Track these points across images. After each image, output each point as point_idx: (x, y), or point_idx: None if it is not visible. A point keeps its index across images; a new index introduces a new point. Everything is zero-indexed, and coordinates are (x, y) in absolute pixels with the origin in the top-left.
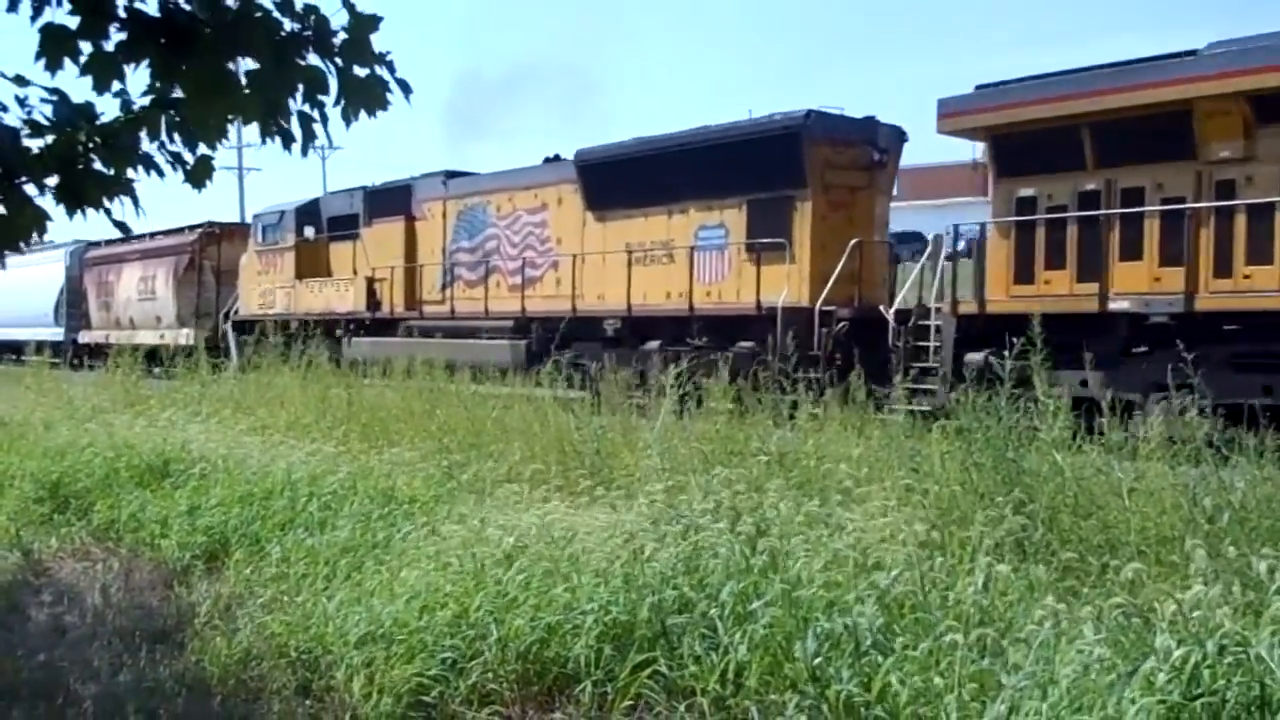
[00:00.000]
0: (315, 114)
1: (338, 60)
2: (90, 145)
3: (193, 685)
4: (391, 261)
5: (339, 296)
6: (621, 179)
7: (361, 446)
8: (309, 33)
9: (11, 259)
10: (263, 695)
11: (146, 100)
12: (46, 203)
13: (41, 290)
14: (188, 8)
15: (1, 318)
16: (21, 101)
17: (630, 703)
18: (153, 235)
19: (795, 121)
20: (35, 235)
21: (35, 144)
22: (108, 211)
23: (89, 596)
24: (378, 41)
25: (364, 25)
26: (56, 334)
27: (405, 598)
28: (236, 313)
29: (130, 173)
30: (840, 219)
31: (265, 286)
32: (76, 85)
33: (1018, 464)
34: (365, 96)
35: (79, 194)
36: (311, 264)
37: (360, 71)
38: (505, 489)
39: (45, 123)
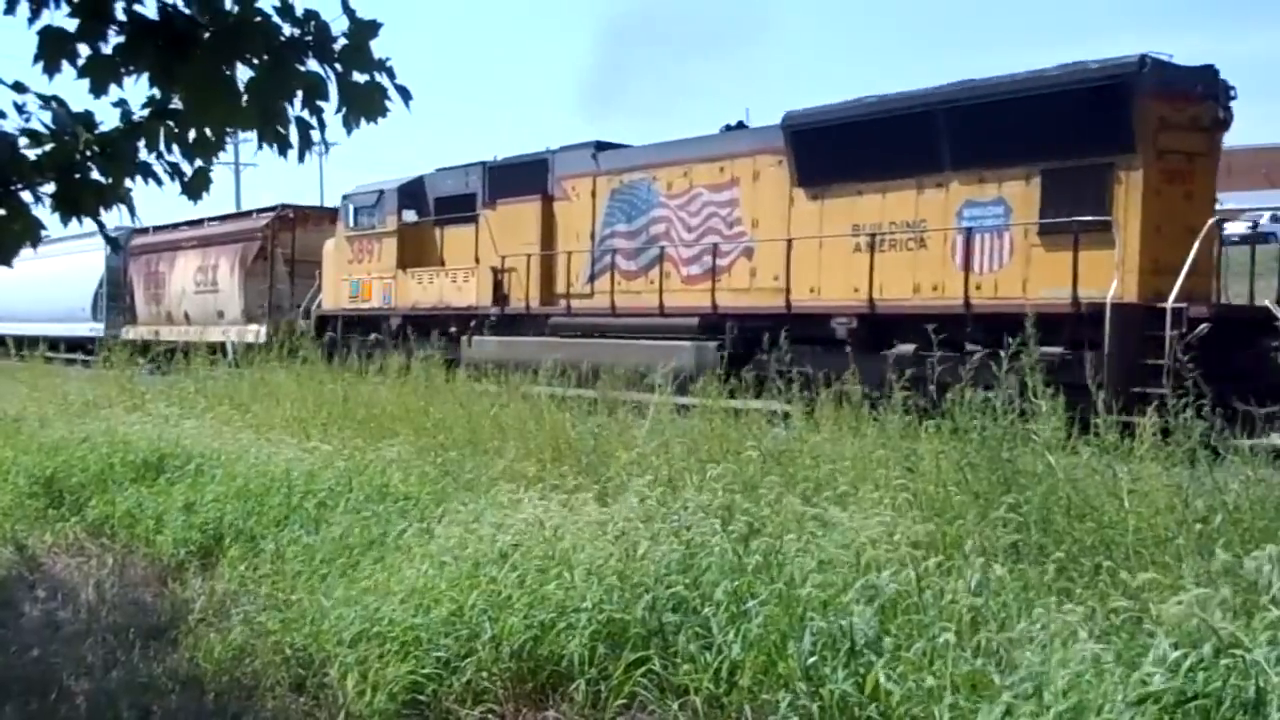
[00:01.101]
0: (314, 120)
1: (337, 66)
2: (88, 154)
3: (186, 682)
4: (523, 248)
5: (455, 289)
6: (849, 147)
7: (357, 443)
8: (309, 38)
9: (46, 248)
10: (257, 692)
11: (145, 111)
12: (42, 211)
13: (78, 281)
14: (187, 12)
15: (31, 311)
16: (20, 109)
17: (624, 701)
18: (213, 220)
19: (1125, 69)
20: (29, 244)
21: (33, 152)
22: (100, 222)
23: (83, 592)
24: (378, 48)
25: (364, 31)
26: (95, 329)
27: (400, 596)
28: (318, 306)
29: (127, 182)
30: (1176, 193)
31: (357, 277)
32: (75, 95)
33: (1013, 464)
34: (365, 103)
35: (76, 202)
36: (416, 251)
37: (360, 78)
38: (500, 486)
39: (43, 130)
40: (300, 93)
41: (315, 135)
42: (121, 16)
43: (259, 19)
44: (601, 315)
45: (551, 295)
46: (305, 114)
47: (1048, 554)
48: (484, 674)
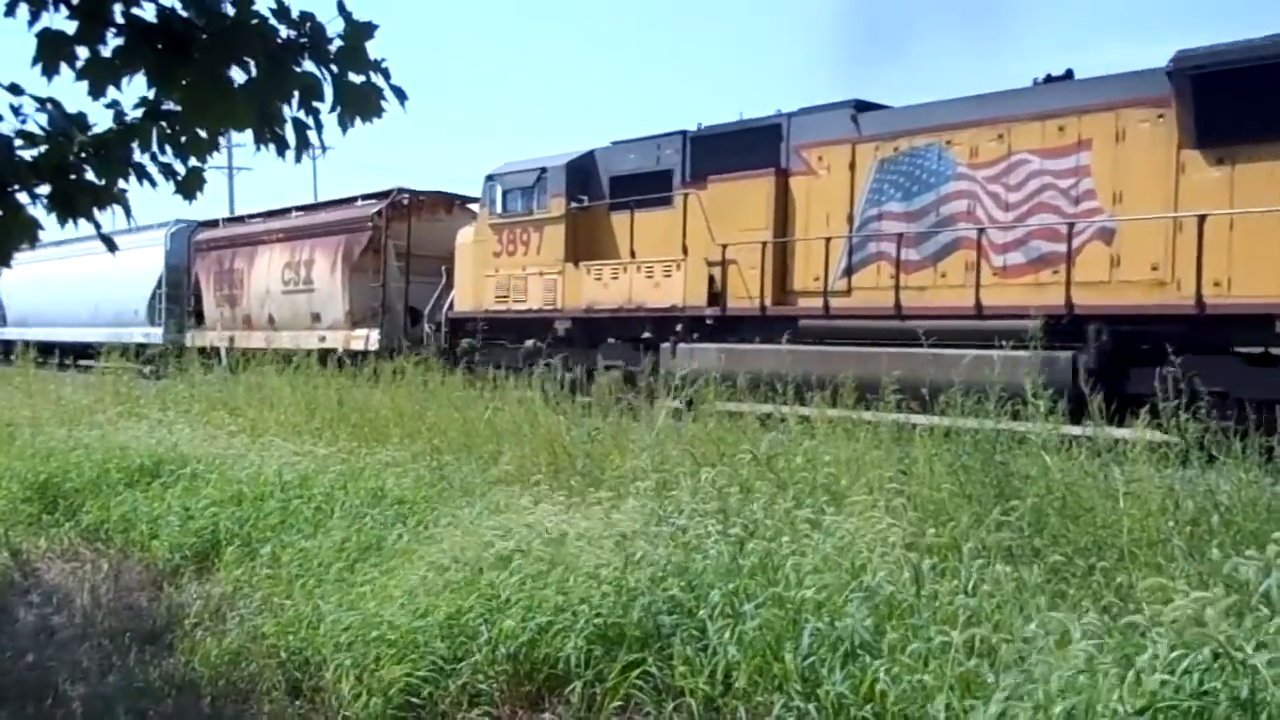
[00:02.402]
0: (310, 121)
1: (333, 67)
2: (83, 155)
3: (182, 686)
4: (745, 235)
5: (651, 285)
6: None
7: (352, 447)
8: (305, 40)
9: (88, 244)
10: (253, 696)
11: (139, 112)
12: (38, 212)
13: (130, 282)
14: (184, 14)
15: (72, 315)
16: (16, 110)
17: (619, 703)
18: (303, 209)
19: None
20: (26, 244)
21: (28, 153)
22: (96, 224)
23: (78, 597)
24: (373, 49)
25: (360, 33)
26: (151, 335)
27: (398, 600)
28: (449, 308)
29: (122, 183)
30: None
31: (507, 273)
32: (68, 95)
33: (1006, 466)
34: (360, 103)
35: (71, 203)
36: (590, 241)
37: (356, 78)
38: (497, 490)
39: (39, 132)
40: (296, 94)
41: (312, 136)
42: (120, 19)
43: (255, 21)
44: (877, 316)
45: (785, 293)
46: (302, 115)
47: (1038, 553)
48: (480, 676)
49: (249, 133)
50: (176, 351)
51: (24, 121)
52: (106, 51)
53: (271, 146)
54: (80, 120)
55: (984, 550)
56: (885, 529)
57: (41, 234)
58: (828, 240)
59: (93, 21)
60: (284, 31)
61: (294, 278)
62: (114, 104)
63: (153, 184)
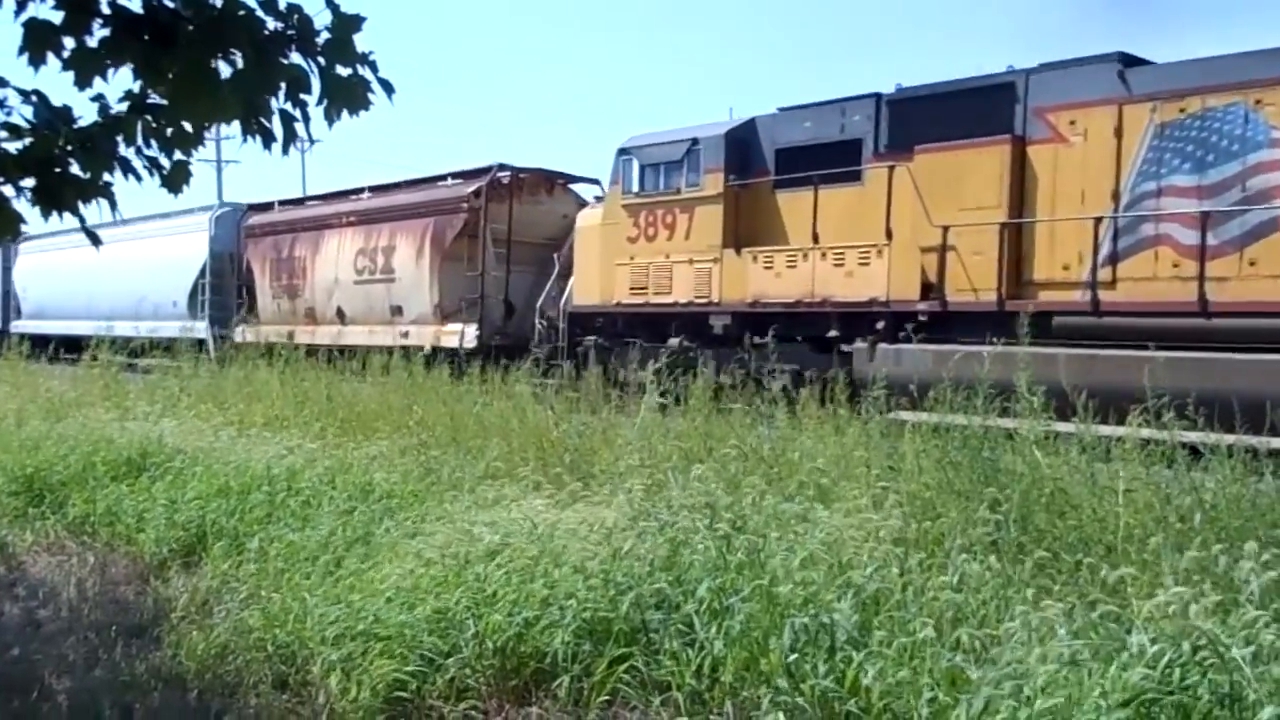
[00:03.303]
0: (297, 113)
1: (320, 60)
2: (68, 148)
3: (169, 680)
4: (970, 215)
5: (841, 275)
6: None
7: (340, 441)
8: (292, 32)
9: (118, 230)
10: (240, 690)
11: (124, 106)
12: (22, 205)
13: (169, 271)
14: (171, 5)
15: (100, 308)
16: (0, 103)
17: (606, 698)
18: (381, 189)
19: None
20: (9, 237)
21: (12, 146)
22: (81, 217)
23: (64, 591)
24: (360, 41)
25: (347, 25)
26: (193, 329)
27: (385, 594)
28: (568, 301)
29: (106, 176)
30: None
31: (645, 260)
32: (52, 88)
33: (993, 462)
34: (348, 96)
35: (56, 196)
36: (752, 223)
37: (343, 71)
38: (485, 485)
39: (24, 125)
40: (283, 86)
41: (299, 128)
42: (106, 10)
43: (242, 12)
44: (1170, 313)
45: (1020, 284)
46: (289, 107)
47: (1023, 548)
48: (467, 671)
49: (236, 125)
50: (222, 347)
51: (9, 114)
52: (93, 42)
53: (258, 138)
54: (65, 113)
55: (971, 546)
56: (873, 524)
57: (58, 221)
58: (1096, 221)
59: (79, 12)
60: (271, 23)
61: (370, 266)
62: (99, 97)
63: (138, 178)
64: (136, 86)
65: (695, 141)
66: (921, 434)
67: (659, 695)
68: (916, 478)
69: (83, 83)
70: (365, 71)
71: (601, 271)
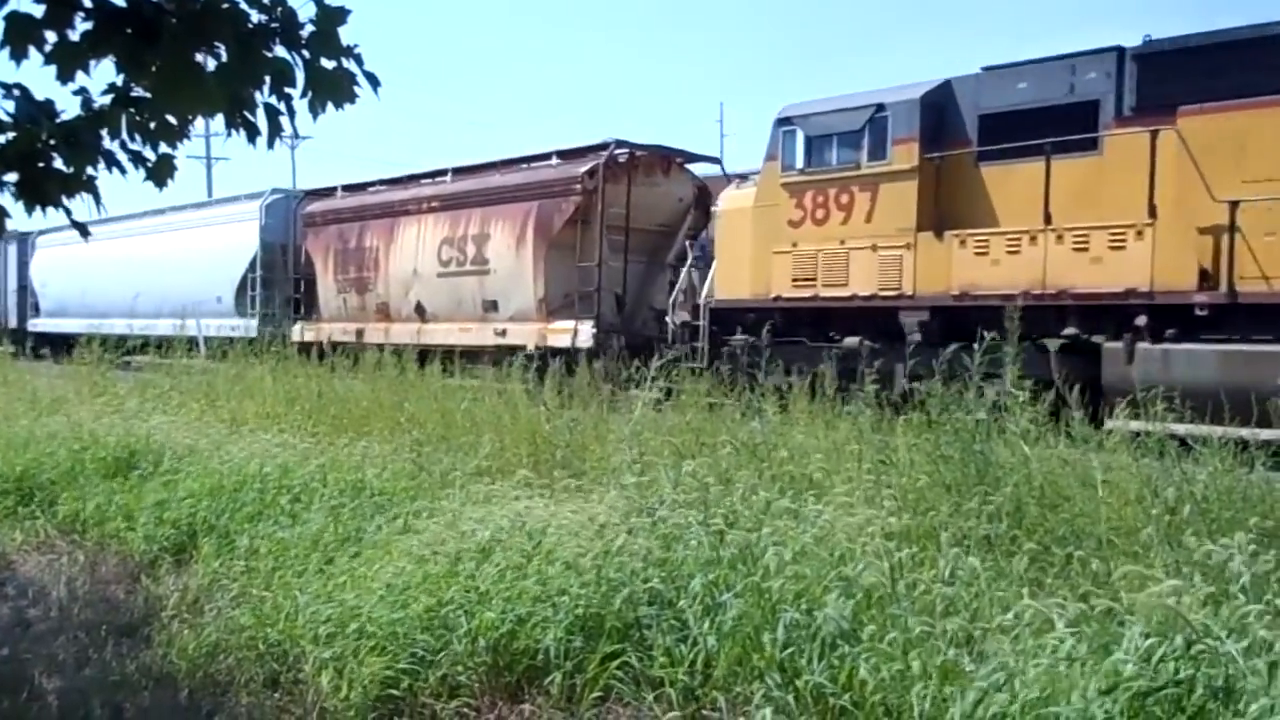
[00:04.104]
0: (282, 106)
1: (305, 53)
2: (51, 142)
3: (159, 678)
4: (1256, 189)
5: (1085, 262)
6: None
7: (331, 438)
8: (276, 24)
9: (159, 220)
10: (231, 688)
11: (107, 99)
12: (5, 200)
13: (212, 264)
14: None
15: (132, 304)
16: None
17: (599, 694)
18: (470, 170)
19: None
20: None
21: None
22: (67, 210)
23: (54, 590)
24: (345, 34)
25: (332, 18)
26: (240, 327)
27: (377, 592)
28: (708, 296)
29: (90, 170)
30: None
31: (812, 247)
32: (37, 83)
33: (985, 456)
34: (332, 89)
35: (40, 191)
36: (952, 201)
37: (328, 64)
38: (477, 481)
39: (7, 119)
40: (268, 79)
41: (284, 122)
42: (89, 3)
43: (226, 5)
44: None
45: None
46: (273, 100)
47: (1015, 540)
48: (460, 668)
49: (221, 119)
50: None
51: None
52: (75, 36)
53: (242, 132)
54: (49, 107)
55: (963, 539)
56: (865, 519)
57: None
58: None
59: (61, 6)
60: (255, 16)
61: (457, 256)
62: (82, 90)
63: (122, 171)
64: (119, 80)
65: (880, 108)
66: (913, 428)
67: (652, 691)
68: (909, 471)
69: (65, 76)
70: (350, 64)
71: (754, 261)
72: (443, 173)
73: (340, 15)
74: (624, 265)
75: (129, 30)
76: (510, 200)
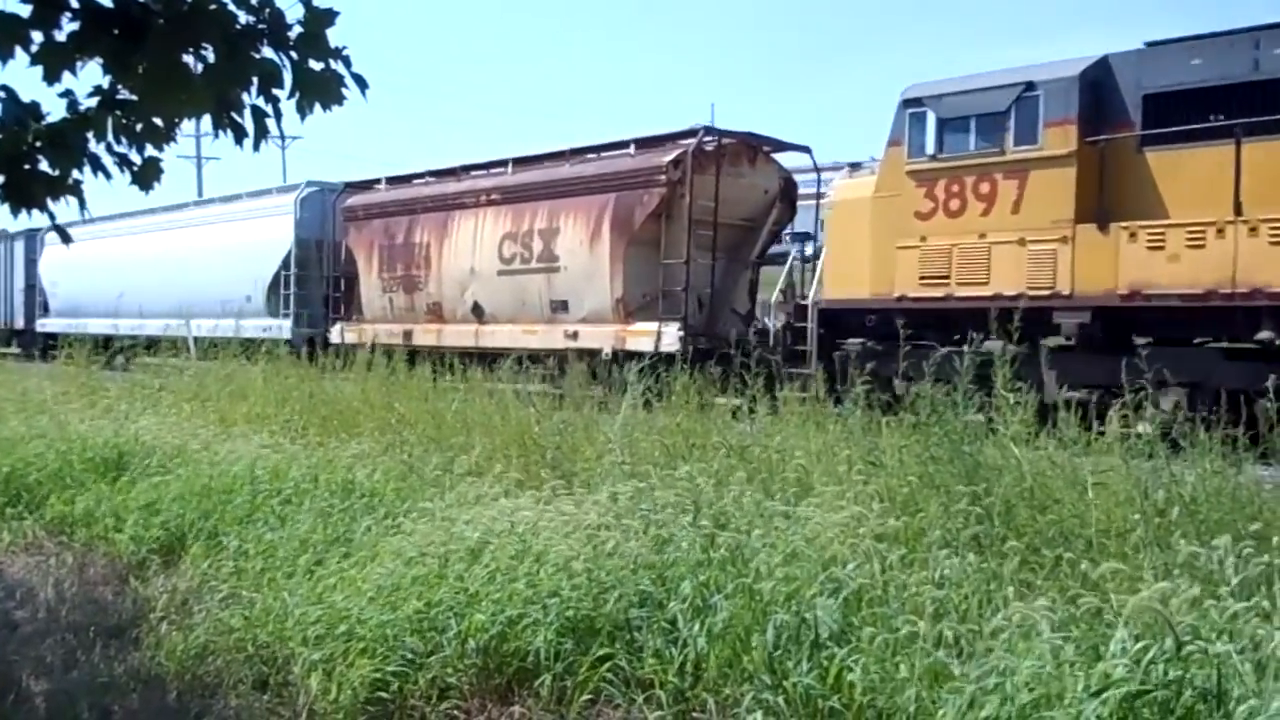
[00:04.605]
0: (269, 108)
1: (293, 54)
2: (37, 145)
3: (148, 681)
4: None
5: None
6: None
7: (321, 439)
8: (263, 26)
9: (182, 215)
10: (219, 690)
11: (93, 101)
12: None
13: (242, 261)
14: None
15: (151, 304)
16: None
17: (589, 696)
18: (537, 159)
19: None
20: None
21: None
22: (51, 213)
23: (42, 591)
24: (334, 36)
25: (320, 19)
26: (272, 328)
27: (367, 593)
28: (815, 296)
29: (76, 173)
30: None
31: (945, 241)
32: (21, 83)
33: (974, 458)
34: (320, 90)
35: (25, 193)
36: (1115, 190)
37: (315, 65)
38: (467, 482)
39: None
40: (255, 80)
41: (271, 124)
42: (75, 3)
43: (214, 6)
44: None
45: None
46: (261, 102)
47: (1005, 542)
48: (449, 670)
49: (208, 120)
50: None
51: None
52: (61, 36)
53: (229, 133)
54: (34, 109)
55: (952, 541)
56: (854, 520)
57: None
58: None
59: (48, 6)
60: (243, 17)
61: (521, 253)
62: (67, 93)
63: (107, 176)
64: (106, 82)
65: (1030, 86)
66: (902, 429)
67: (642, 693)
68: (899, 473)
69: (51, 77)
70: (338, 66)
71: (874, 256)
72: (501, 163)
73: (328, 17)
74: (712, 262)
75: (116, 31)
76: (583, 192)
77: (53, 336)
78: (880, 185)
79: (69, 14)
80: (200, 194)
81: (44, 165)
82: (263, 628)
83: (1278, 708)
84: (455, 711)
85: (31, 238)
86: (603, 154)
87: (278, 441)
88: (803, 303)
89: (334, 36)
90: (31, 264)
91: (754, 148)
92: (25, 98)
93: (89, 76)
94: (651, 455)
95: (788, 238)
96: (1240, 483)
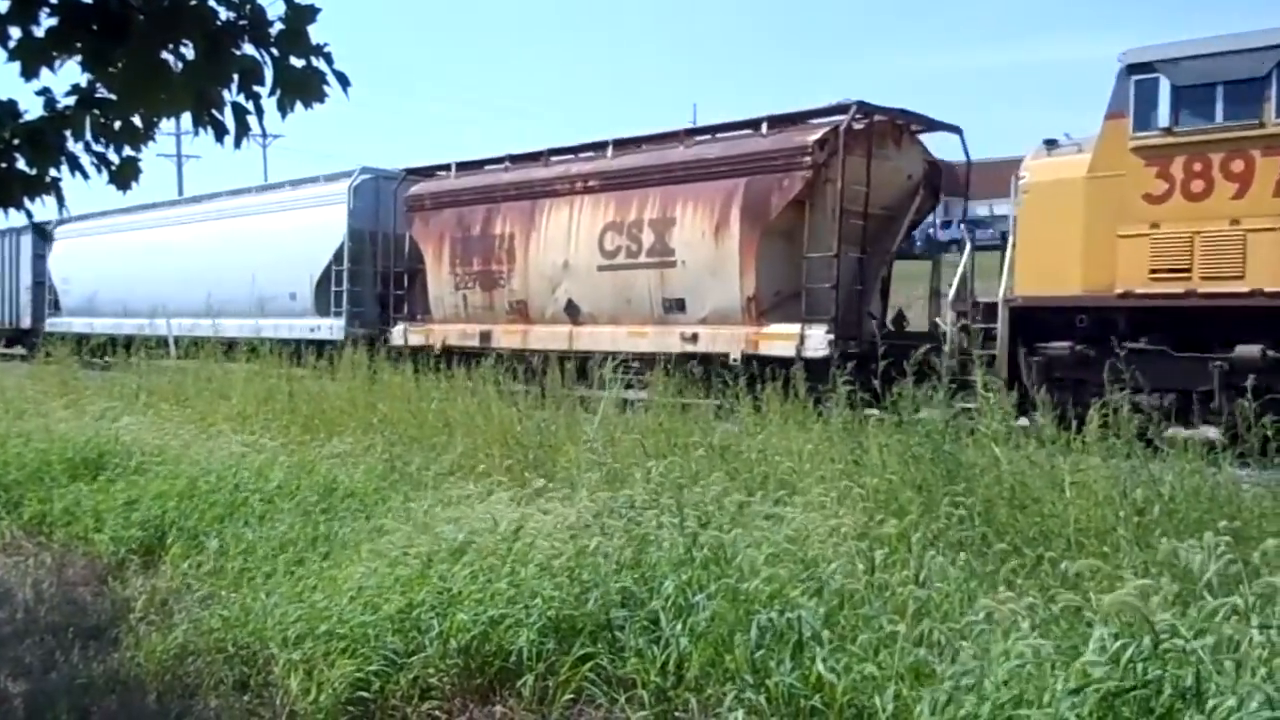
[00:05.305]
0: (250, 105)
1: (273, 51)
2: (14, 143)
3: (127, 682)
4: None
5: None
6: None
7: (303, 439)
8: (244, 22)
9: (211, 205)
10: (199, 691)
11: (71, 100)
12: None
13: (287, 254)
14: None
15: (181, 303)
16: None
17: (571, 696)
18: (635, 141)
19: None
20: None
21: None
22: (28, 212)
23: (19, 592)
24: (315, 33)
25: (301, 16)
26: (322, 328)
27: (348, 593)
28: (1006, 292)
29: (54, 172)
30: None
31: (1183, 228)
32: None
33: (955, 457)
34: (301, 88)
35: (4, 193)
36: None
37: (297, 62)
38: (449, 482)
39: None
40: (236, 77)
41: (252, 121)
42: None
43: (194, 3)
44: None
45: None
46: (241, 99)
47: (989, 543)
48: (431, 670)
49: (188, 118)
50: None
51: None
52: (39, 32)
53: (209, 131)
54: (11, 107)
55: (934, 541)
56: (837, 520)
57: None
58: None
59: (25, 1)
60: (223, 13)
61: (628, 246)
62: (45, 90)
63: (85, 175)
64: (84, 80)
65: None
66: (884, 429)
67: (624, 693)
68: (880, 472)
69: (29, 73)
70: (320, 63)
71: (1087, 246)
72: (599, 146)
73: (309, 14)
74: (860, 257)
75: (95, 27)
76: (705, 177)
77: (64, 338)
78: (1096, 164)
79: (47, 9)
80: (180, 192)
81: (21, 164)
82: (242, 628)
83: (1256, 706)
84: (437, 712)
85: (39, 232)
86: (721, 134)
87: (260, 441)
88: (985, 300)
89: (315, 33)
90: (39, 260)
91: (900, 127)
92: (2, 95)
93: (67, 75)
94: (632, 454)
95: (962, 226)
96: (1219, 482)
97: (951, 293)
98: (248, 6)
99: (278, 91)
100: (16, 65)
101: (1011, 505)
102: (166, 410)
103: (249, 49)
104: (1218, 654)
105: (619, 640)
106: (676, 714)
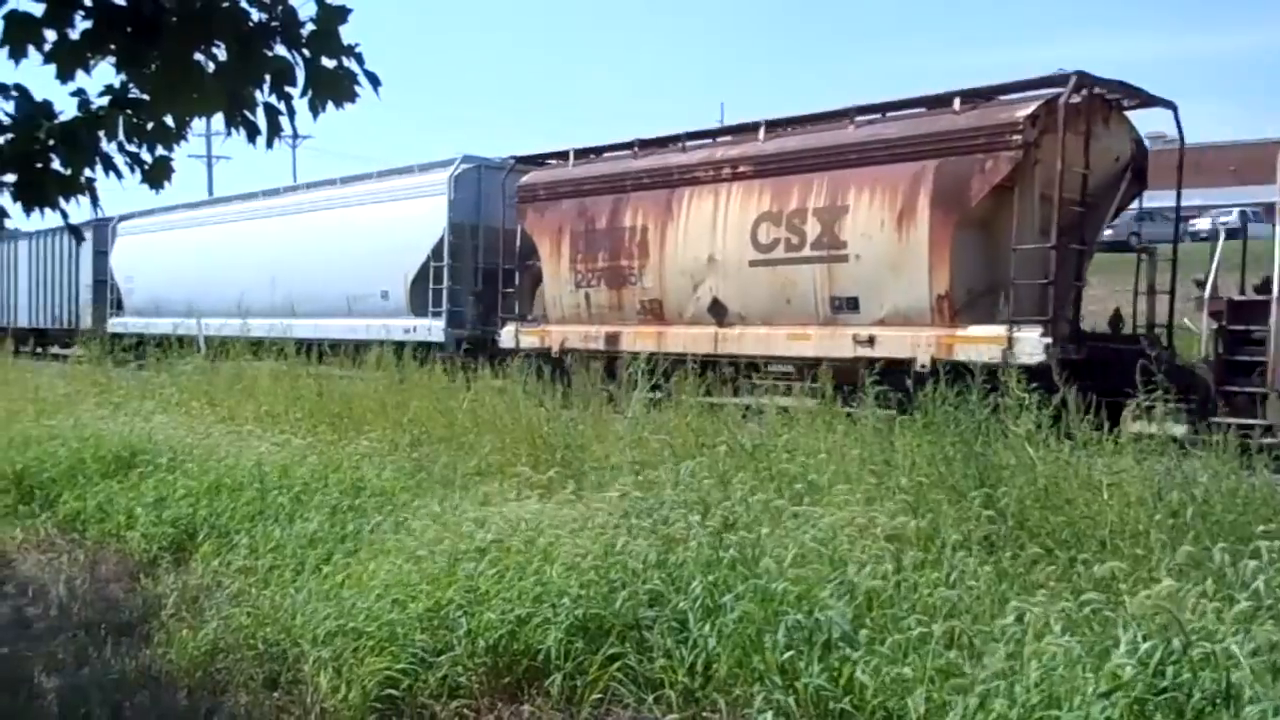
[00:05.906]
0: (281, 106)
1: (305, 51)
2: (50, 144)
3: (158, 678)
4: None
5: None
6: None
7: (331, 438)
8: (276, 23)
9: (293, 198)
10: (229, 688)
11: (105, 100)
12: (4, 200)
13: (382, 250)
14: None
15: (261, 302)
16: None
17: (599, 695)
18: (796, 121)
19: None
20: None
21: None
22: (64, 212)
23: (53, 589)
24: (346, 33)
25: (332, 17)
26: (419, 329)
27: (376, 591)
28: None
29: (89, 172)
30: None
31: None
32: (33, 83)
33: (986, 458)
34: (333, 88)
35: (38, 193)
36: None
37: (328, 63)
38: (477, 481)
39: (5, 120)
40: (268, 78)
41: (284, 121)
42: (89, 2)
43: (227, 4)
44: None
45: None
46: (273, 100)
47: (1022, 545)
48: (459, 669)
49: (218, 118)
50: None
51: None
52: (74, 35)
53: (242, 132)
54: (46, 108)
55: (965, 542)
56: (866, 520)
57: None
58: None
59: (61, 4)
60: (255, 15)
61: (787, 238)
62: (79, 92)
63: (119, 175)
64: (117, 81)
65: None
66: (914, 430)
67: (652, 693)
68: (910, 473)
69: (64, 75)
70: (351, 63)
71: None
72: (749, 128)
73: (341, 14)
74: (1080, 249)
75: (129, 29)
76: (883, 160)
77: (123, 338)
78: None
79: (82, 13)
80: (210, 193)
81: (56, 164)
82: (272, 625)
83: None
84: (465, 710)
85: (101, 229)
86: (893, 113)
87: (288, 439)
88: (1259, 297)
89: (346, 34)
90: (101, 257)
91: (1109, 102)
92: (37, 96)
93: (101, 75)
94: (660, 454)
95: (1223, 214)
96: (1254, 484)
97: (1207, 291)
98: (279, 8)
99: (309, 92)
100: (52, 67)
101: (1044, 507)
102: (195, 408)
103: (281, 50)
104: (1254, 659)
105: (647, 640)
106: (705, 715)
